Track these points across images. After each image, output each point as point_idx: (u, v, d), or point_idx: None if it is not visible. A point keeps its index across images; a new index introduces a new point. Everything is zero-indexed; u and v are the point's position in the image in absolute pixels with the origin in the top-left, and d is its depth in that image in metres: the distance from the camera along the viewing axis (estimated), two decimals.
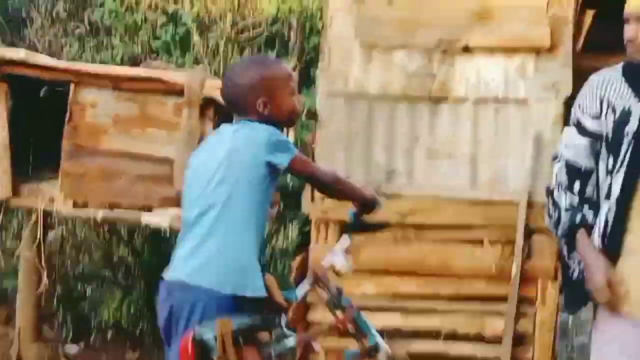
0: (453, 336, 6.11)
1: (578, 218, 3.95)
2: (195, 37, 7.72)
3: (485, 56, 6.06)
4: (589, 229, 3.93)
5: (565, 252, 4.04)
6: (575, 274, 4.00)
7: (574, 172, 4.00)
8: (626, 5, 3.87)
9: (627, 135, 3.86)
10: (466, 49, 6.05)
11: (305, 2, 7.81)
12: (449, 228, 6.13)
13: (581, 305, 4.03)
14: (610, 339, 3.92)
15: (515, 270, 5.97)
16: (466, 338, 6.11)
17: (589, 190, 3.99)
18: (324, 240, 6.24)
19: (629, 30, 3.85)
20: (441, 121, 6.14)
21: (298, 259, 6.38)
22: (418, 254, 6.15)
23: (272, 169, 3.57)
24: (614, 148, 3.89)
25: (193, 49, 7.70)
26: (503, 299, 6.00)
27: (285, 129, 4.60)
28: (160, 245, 7.84)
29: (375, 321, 4.00)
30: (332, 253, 3.89)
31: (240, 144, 3.56)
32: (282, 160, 3.54)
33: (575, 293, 4.01)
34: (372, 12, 6.18)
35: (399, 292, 6.17)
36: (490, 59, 6.05)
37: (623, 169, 3.86)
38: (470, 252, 6.10)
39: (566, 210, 3.99)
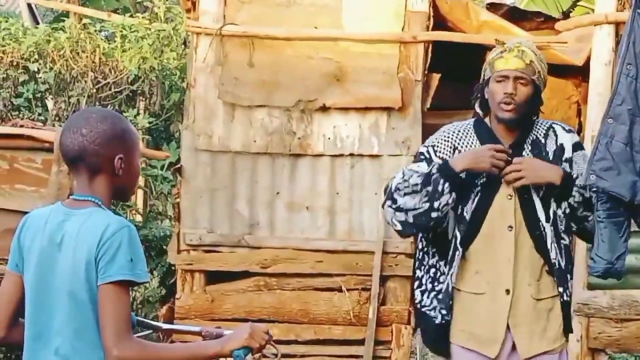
0: None
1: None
2: (57, 94, 7.89)
3: (341, 115, 6.47)
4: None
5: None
6: (438, 320, 4.33)
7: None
8: (504, 63, 4.22)
9: (477, 183, 4.29)
10: (323, 109, 6.45)
11: (165, 61, 8.06)
12: (308, 276, 6.50)
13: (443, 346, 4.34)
14: None
15: (371, 315, 6.36)
16: None
17: None
18: (189, 290, 6.52)
19: (508, 86, 4.19)
20: (300, 175, 6.51)
21: (165, 308, 6.62)
22: (280, 301, 6.49)
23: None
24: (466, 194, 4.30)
25: (55, 105, 7.85)
26: (360, 342, 6.39)
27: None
28: None
29: None
30: None
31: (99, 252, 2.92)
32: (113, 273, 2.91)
33: (438, 336, 4.34)
34: (234, 73, 6.50)
35: None
36: (346, 117, 6.46)
37: (469, 214, 4.27)
38: (328, 298, 6.47)
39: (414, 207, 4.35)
